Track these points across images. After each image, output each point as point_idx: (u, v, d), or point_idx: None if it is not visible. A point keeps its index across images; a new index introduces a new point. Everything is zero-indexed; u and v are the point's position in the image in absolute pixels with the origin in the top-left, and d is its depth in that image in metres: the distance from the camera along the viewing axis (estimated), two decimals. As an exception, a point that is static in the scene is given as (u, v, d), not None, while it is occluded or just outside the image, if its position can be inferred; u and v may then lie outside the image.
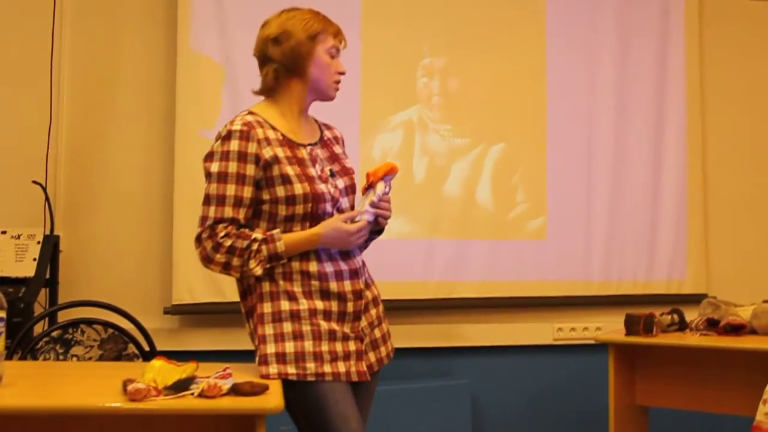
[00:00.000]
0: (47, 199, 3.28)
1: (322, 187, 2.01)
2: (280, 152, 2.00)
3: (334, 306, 2.00)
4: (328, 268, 2.01)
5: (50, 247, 3.17)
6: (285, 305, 1.97)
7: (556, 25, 3.95)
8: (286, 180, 1.97)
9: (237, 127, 1.99)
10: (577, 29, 3.98)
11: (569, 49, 3.96)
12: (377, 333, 2.11)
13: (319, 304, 1.99)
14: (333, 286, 2.00)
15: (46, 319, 2.92)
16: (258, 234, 1.97)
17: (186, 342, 3.43)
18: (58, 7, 3.43)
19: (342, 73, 2.10)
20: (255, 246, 1.95)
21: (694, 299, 3.46)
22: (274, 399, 1.71)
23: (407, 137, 3.75)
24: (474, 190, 3.81)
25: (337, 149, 2.17)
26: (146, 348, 2.70)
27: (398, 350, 2.21)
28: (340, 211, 2.06)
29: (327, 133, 2.19)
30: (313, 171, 2.03)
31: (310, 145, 2.09)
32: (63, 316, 2.79)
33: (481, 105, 3.86)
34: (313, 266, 2.00)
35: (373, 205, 2.04)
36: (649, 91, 4.06)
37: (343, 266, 2.03)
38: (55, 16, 3.41)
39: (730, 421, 3.00)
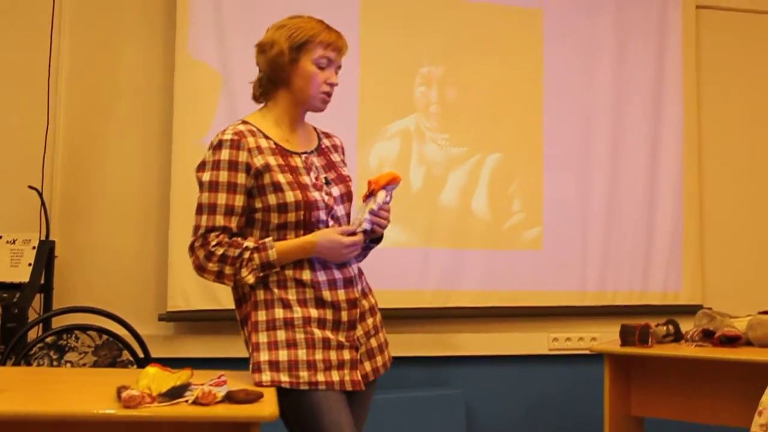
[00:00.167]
0: (43, 204, 3.27)
1: (315, 194, 2.01)
2: (272, 160, 2.00)
3: (328, 314, 2.00)
4: (321, 276, 2.00)
5: (45, 253, 3.16)
6: (279, 313, 1.97)
7: (553, 36, 3.97)
8: (277, 188, 1.98)
9: (228, 136, 2.00)
10: (574, 40, 4.00)
11: (566, 60, 3.98)
12: (373, 342, 2.11)
13: (314, 312, 1.98)
14: (326, 294, 2.00)
15: (41, 324, 2.91)
16: (250, 242, 1.97)
17: (181, 349, 3.42)
18: (57, 12, 3.44)
19: (332, 85, 2.07)
20: (247, 254, 1.95)
21: (690, 310, 3.47)
22: (268, 407, 1.70)
23: (404, 146, 3.76)
24: (470, 200, 3.82)
25: (335, 157, 2.17)
26: (141, 355, 2.68)
27: (394, 359, 2.20)
28: (335, 218, 2.06)
29: (325, 141, 2.19)
30: (306, 179, 2.03)
31: (305, 153, 2.09)
32: (57, 322, 2.78)
33: (478, 114, 3.87)
34: (306, 275, 1.99)
35: (372, 213, 2.04)
36: (646, 103, 4.08)
37: (337, 275, 2.03)
38: (53, 21, 3.42)
39: (725, 433, 3.00)
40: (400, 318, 3.56)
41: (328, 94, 2.08)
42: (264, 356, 1.94)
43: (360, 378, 2.02)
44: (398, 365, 2.18)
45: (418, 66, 3.80)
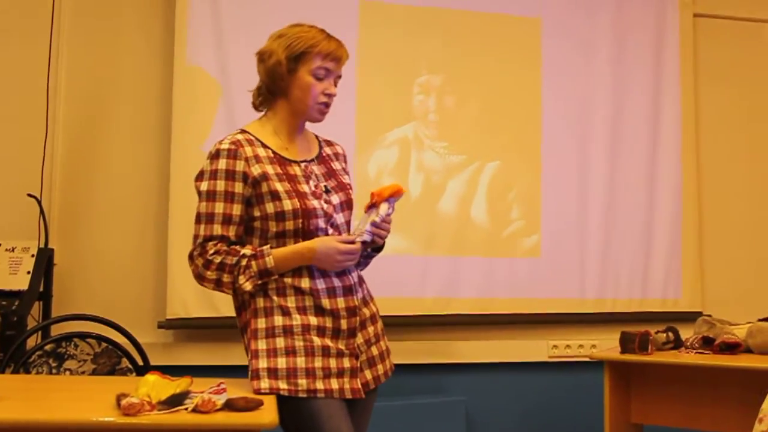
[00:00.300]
0: (42, 212, 3.27)
1: (314, 203, 2.01)
2: (270, 169, 2.00)
3: (328, 322, 1.99)
4: (320, 284, 2.00)
5: (44, 261, 3.16)
6: (278, 320, 1.97)
7: (551, 45, 3.98)
8: (275, 196, 1.98)
9: (225, 146, 2.00)
10: (573, 49, 4.01)
11: (565, 69, 3.99)
12: (374, 350, 2.10)
13: (313, 320, 1.98)
14: (325, 302, 2.00)
15: (40, 332, 2.91)
16: (247, 250, 1.98)
17: (180, 357, 3.41)
18: (56, 20, 3.45)
19: (330, 95, 2.07)
20: (244, 262, 1.96)
21: (689, 317, 3.46)
22: (268, 414, 1.70)
23: (403, 154, 3.76)
24: (469, 208, 3.82)
25: (336, 165, 2.17)
26: (140, 362, 2.69)
27: (394, 366, 2.20)
28: (335, 226, 2.06)
29: (327, 149, 2.19)
30: (305, 187, 2.03)
31: (304, 161, 2.09)
32: (56, 330, 2.78)
33: (476, 122, 3.87)
34: (305, 282, 1.99)
35: (374, 224, 2.04)
36: (644, 111, 4.09)
37: (336, 283, 2.02)
38: (52, 29, 3.43)
39: (726, 440, 2.99)
40: (399, 325, 3.56)
41: (327, 105, 2.08)
42: (263, 363, 1.94)
43: (360, 386, 2.02)
44: (398, 373, 2.18)
45: (416, 74, 3.81)
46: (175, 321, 3.41)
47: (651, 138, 4.08)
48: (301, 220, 1.98)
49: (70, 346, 2.60)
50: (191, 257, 2.00)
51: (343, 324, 2.01)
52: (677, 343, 3.08)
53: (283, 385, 1.92)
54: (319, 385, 1.94)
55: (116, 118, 3.54)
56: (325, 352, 1.97)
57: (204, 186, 1.99)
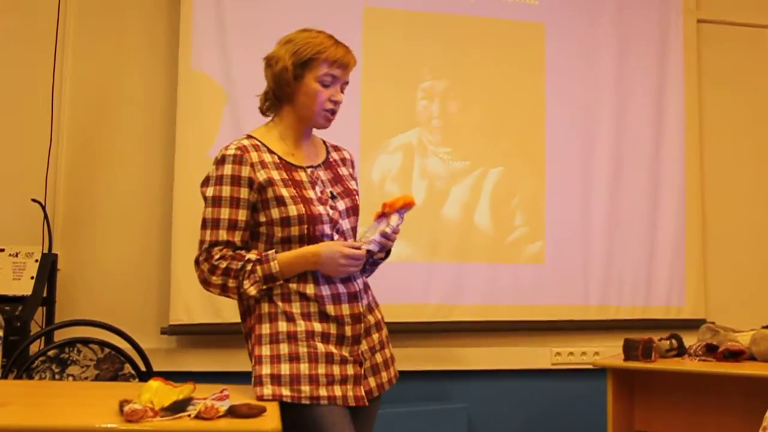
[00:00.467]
0: (46, 217, 3.27)
1: (320, 208, 2.01)
2: (276, 175, 2.00)
3: (332, 329, 1.99)
4: (325, 291, 2.00)
5: (48, 266, 3.16)
6: (282, 326, 1.97)
7: (555, 50, 3.98)
8: (280, 202, 1.98)
9: (231, 151, 2.01)
10: (576, 54, 4.01)
11: (569, 74, 3.99)
12: (379, 358, 2.10)
13: (317, 326, 1.98)
14: (330, 309, 1.99)
15: (43, 338, 2.90)
16: (252, 255, 1.98)
17: (183, 363, 3.41)
18: (61, 26, 3.46)
19: (336, 102, 2.06)
20: (249, 266, 1.96)
21: (693, 324, 3.45)
22: (271, 421, 1.70)
23: (406, 160, 3.76)
24: (473, 214, 3.82)
25: (343, 171, 2.17)
26: (143, 368, 2.68)
27: (398, 374, 2.19)
28: (340, 232, 2.05)
29: (334, 155, 2.19)
30: (311, 193, 2.03)
31: (310, 167, 2.09)
32: (60, 335, 2.77)
33: (480, 128, 3.87)
34: (310, 288, 1.99)
35: (383, 235, 2.03)
36: (647, 118, 4.09)
37: (341, 289, 2.02)
38: (57, 34, 3.44)
39: (729, 448, 2.98)
40: (402, 332, 3.54)
41: (332, 112, 2.08)
42: (266, 369, 1.93)
43: (363, 393, 2.01)
44: (400, 379, 2.17)
45: (420, 80, 3.81)
46: (178, 327, 3.41)
47: (654, 144, 4.08)
48: (306, 226, 1.98)
49: (73, 351, 2.59)
50: (197, 262, 2.00)
51: (348, 331, 2.01)
52: (681, 351, 3.07)
53: (286, 391, 1.92)
54: (323, 391, 1.94)
55: (120, 124, 3.54)
56: (329, 358, 1.97)
57: (210, 191, 2.00)
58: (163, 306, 3.44)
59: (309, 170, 2.08)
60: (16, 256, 3.22)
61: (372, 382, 2.06)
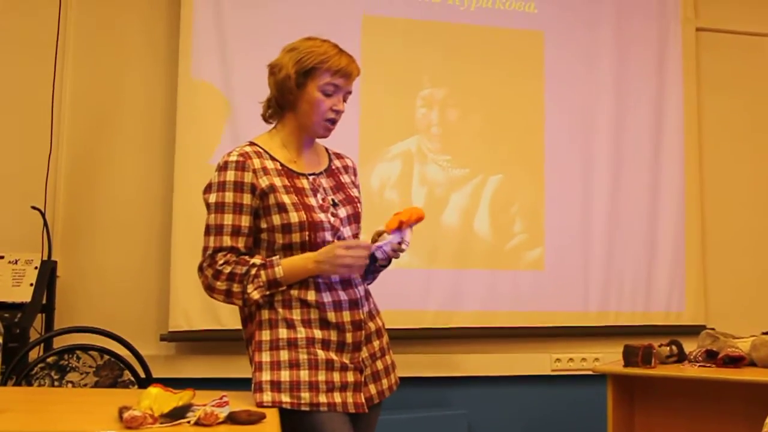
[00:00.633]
0: (45, 224, 3.28)
1: (321, 216, 2.01)
2: (278, 181, 2.01)
3: (333, 335, 1.99)
4: (326, 297, 2.00)
5: (47, 273, 3.16)
6: (283, 333, 1.96)
7: (554, 59, 3.99)
8: (282, 208, 1.98)
9: (233, 158, 2.01)
10: (575, 62, 4.03)
11: (568, 82, 4.00)
12: (379, 365, 2.09)
13: (318, 333, 1.98)
14: (331, 316, 1.99)
15: (42, 344, 2.91)
16: (257, 259, 1.97)
17: (182, 369, 3.41)
18: (61, 34, 3.47)
19: (338, 112, 2.06)
20: (254, 271, 1.95)
21: (693, 330, 3.46)
22: (270, 428, 1.69)
23: (406, 167, 3.77)
24: (472, 221, 3.82)
25: (345, 178, 2.17)
26: (142, 375, 2.68)
27: (399, 381, 2.19)
28: (341, 239, 2.05)
29: (336, 162, 2.19)
30: (312, 200, 2.03)
31: (312, 174, 2.09)
32: (59, 342, 2.77)
33: (479, 136, 3.88)
34: (311, 295, 1.99)
35: (396, 249, 2.03)
36: (646, 124, 4.10)
37: (342, 296, 2.02)
38: (57, 42, 3.45)
39: (730, 455, 2.97)
40: (402, 338, 3.55)
41: (333, 122, 2.08)
42: (266, 376, 1.93)
43: (363, 400, 2.01)
44: (400, 386, 2.17)
45: (419, 88, 3.82)
46: (177, 333, 3.41)
47: (654, 151, 4.09)
48: (307, 233, 1.98)
49: (72, 358, 2.59)
50: (200, 269, 1.99)
51: (348, 337, 2.00)
52: (681, 357, 3.07)
53: (285, 398, 1.91)
54: (323, 398, 1.94)
55: (120, 131, 3.55)
56: (329, 365, 1.97)
57: (212, 198, 1.99)
58: (162, 313, 3.44)
59: (311, 177, 2.08)
60: (16, 263, 3.22)
61: (372, 389, 2.06)
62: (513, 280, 3.84)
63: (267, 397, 1.91)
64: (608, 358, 3.46)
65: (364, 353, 2.04)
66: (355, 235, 2.10)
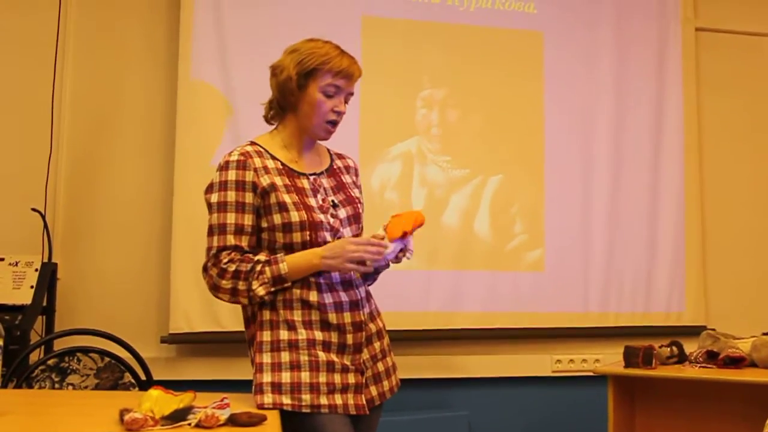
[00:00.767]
0: (46, 226, 3.28)
1: (321, 216, 2.01)
2: (279, 181, 2.01)
3: (333, 337, 1.99)
4: (328, 299, 2.00)
5: (48, 275, 3.16)
6: (284, 334, 1.96)
7: (554, 59, 3.99)
8: (282, 207, 1.98)
9: (234, 157, 2.01)
10: (575, 63, 4.03)
11: (567, 82, 4.00)
12: (380, 366, 2.09)
13: (319, 335, 1.98)
14: (332, 317, 1.99)
15: (42, 347, 2.90)
16: (262, 256, 1.97)
17: (183, 371, 3.41)
18: (61, 36, 3.47)
19: (339, 113, 2.06)
20: (258, 267, 1.95)
21: (693, 331, 3.46)
22: (271, 430, 1.69)
23: (406, 168, 3.77)
24: (472, 222, 3.82)
25: (346, 178, 2.17)
26: (143, 377, 2.67)
27: (400, 382, 2.19)
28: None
29: (338, 162, 2.19)
30: (312, 201, 2.03)
31: (313, 174, 2.09)
32: (59, 344, 2.77)
33: (479, 136, 3.88)
34: (313, 296, 1.99)
35: (398, 258, 2.03)
36: (646, 125, 4.10)
37: (344, 297, 2.02)
38: (57, 44, 3.45)
39: (731, 455, 2.97)
40: (402, 340, 3.54)
41: (334, 123, 2.08)
42: (267, 378, 1.93)
43: (364, 402, 2.01)
44: (401, 387, 2.17)
45: (419, 88, 3.82)
46: (178, 335, 3.41)
47: (654, 151, 4.09)
48: (308, 232, 1.98)
49: (72, 360, 2.59)
50: (205, 269, 1.99)
51: (349, 339, 2.00)
52: (681, 358, 3.07)
53: (286, 400, 1.91)
54: (323, 400, 1.94)
55: (120, 133, 3.55)
56: (330, 367, 1.96)
57: (214, 197, 1.99)
58: (162, 315, 3.44)
59: (312, 178, 2.08)
60: (16, 265, 3.22)
61: (373, 390, 2.05)
62: (513, 281, 3.84)
63: (268, 398, 1.91)
64: (609, 359, 3.46)
65: (365, 355, 2.04)
66: (356, 236, 2.10)
